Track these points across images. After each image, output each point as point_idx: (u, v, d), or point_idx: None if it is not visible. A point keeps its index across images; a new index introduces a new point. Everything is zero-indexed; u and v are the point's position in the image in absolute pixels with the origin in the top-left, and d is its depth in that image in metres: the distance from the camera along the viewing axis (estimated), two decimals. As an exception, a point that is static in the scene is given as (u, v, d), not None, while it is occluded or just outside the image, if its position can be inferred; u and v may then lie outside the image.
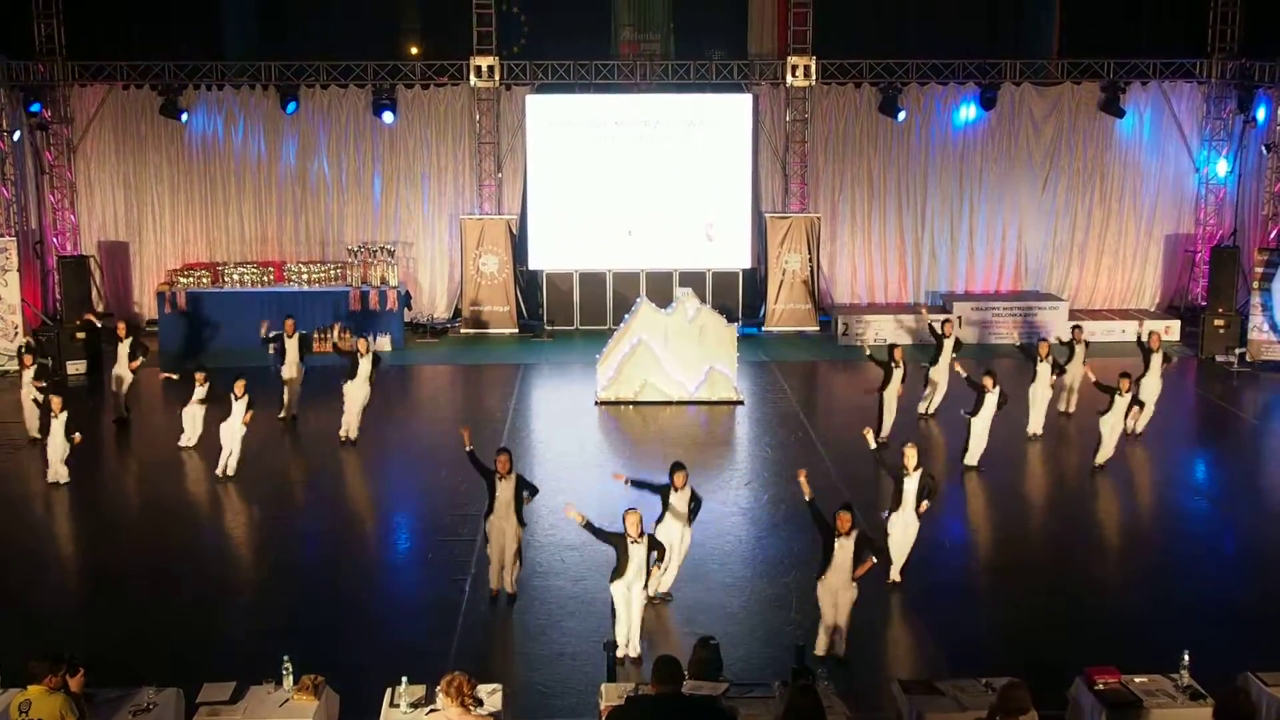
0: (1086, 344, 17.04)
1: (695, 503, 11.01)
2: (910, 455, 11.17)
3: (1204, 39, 22.51)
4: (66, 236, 22.47)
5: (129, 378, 16.77)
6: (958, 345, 17.02)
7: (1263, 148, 21.55)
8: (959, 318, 21.84)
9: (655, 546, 9.94)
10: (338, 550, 12.97)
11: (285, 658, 8.19)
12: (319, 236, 22.97)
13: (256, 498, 14.10)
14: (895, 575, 11.35)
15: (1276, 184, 21.40)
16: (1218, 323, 20.62)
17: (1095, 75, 22.47)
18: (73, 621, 11.02)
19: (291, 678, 8.14)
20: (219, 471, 14.56)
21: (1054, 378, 16.04)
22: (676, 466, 10.96)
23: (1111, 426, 14.71)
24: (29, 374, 15.95)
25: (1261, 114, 21.67)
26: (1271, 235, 21.36)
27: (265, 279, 21.76)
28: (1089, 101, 22.81)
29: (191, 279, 21.55)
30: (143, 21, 22.46)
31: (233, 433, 14.53)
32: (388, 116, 22.22)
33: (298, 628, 10.53)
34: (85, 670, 7.27)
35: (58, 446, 14.21)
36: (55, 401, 14.42)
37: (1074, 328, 17.91)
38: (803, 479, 10.26)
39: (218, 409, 15.02)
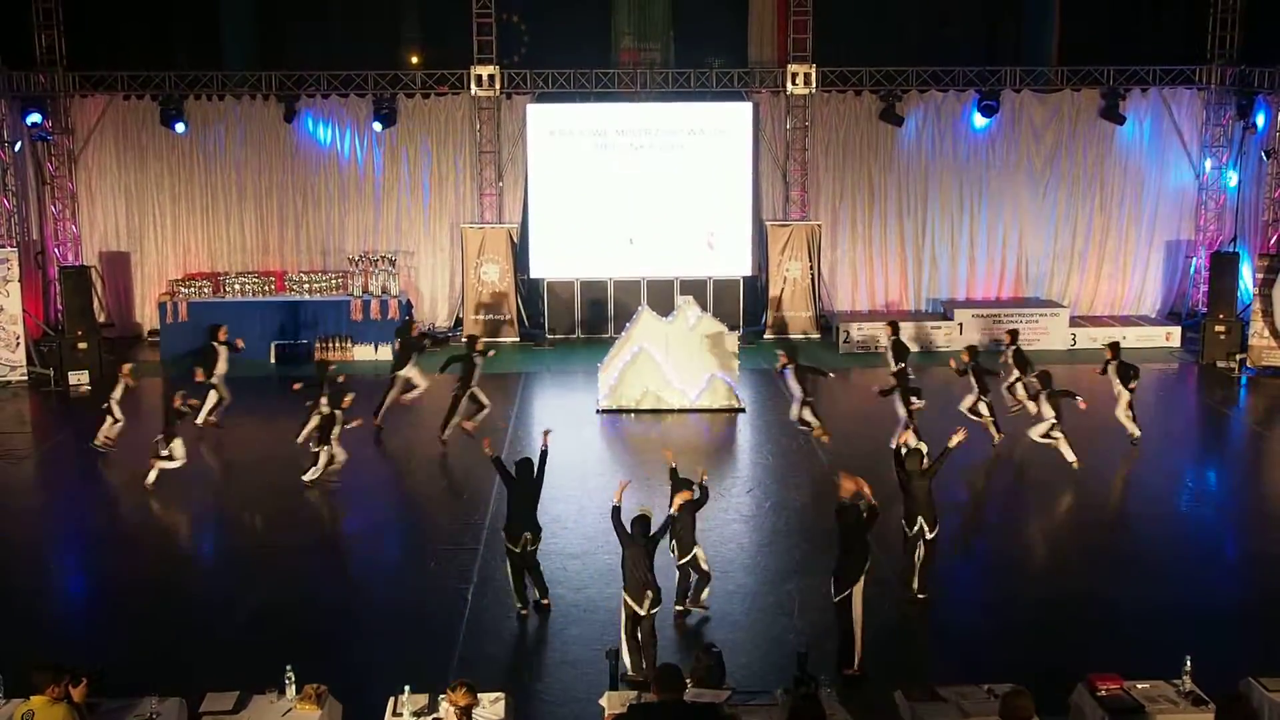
0: (1019, 349, 16.72)
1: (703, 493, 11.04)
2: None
3: (1204, 45, 22.54)
4: (68, 247, 22.51)
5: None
6: (898, 350, 16.57)
7: (1262, 153, 21.58)
8: (960, 325, 21.88)
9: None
10: (340, 559, 12.99)
11: (288, 667, 8.19)
12: (320, 246, 23.01)
13: (259, 507, 14.10)
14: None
15: (1276, 190, 21.41)
16: (1218, 328, 20.62)
17: (1095, 82, 22.50)
18: (75, 631, 11.02)
19: (294, 687, 8.14)
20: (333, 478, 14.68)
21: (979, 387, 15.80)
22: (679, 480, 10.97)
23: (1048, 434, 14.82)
24: (125, 383, 15.94)
25: (1261, 120, 21.70)
26: (1272, 241, 21.36)
27: (267, 289, 21.80)
28: (1089, 108, 22.85)
29: (193, 289, 21.59)
30: (143, 31, 22.54)
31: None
32: (376, 125, 22.28)
33: (300, 637, 10.52)
34: (88, 680, 7.28)
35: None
36: (194, 402, 15.30)
37: (1009, 332, 17.43)
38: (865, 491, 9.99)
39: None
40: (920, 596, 11.10)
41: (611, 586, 10.92)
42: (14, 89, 21.24)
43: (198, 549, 13.09)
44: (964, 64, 22.39)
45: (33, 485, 14.99)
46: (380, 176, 22.88)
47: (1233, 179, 22.78)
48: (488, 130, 22.73)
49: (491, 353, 17.05)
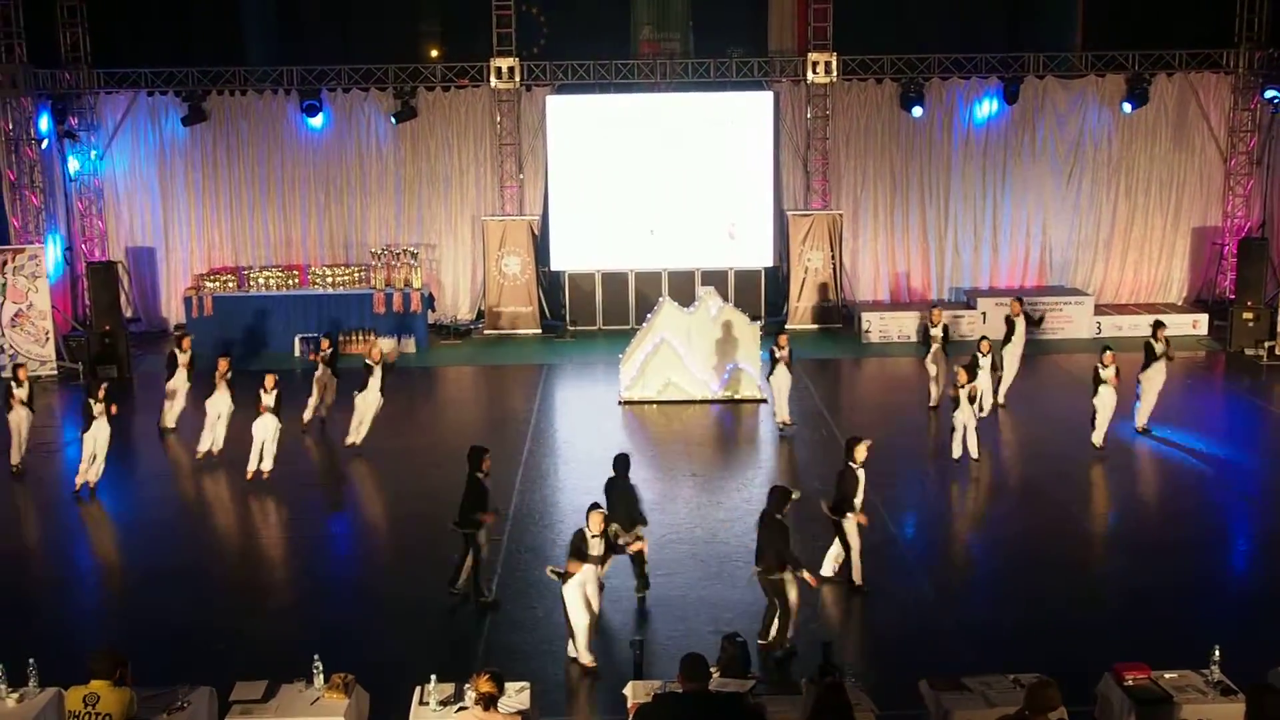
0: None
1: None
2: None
3: (1231, 29, 22.28)
4: (95, 243, 22.70)
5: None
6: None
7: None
8: (983, 314, 21.76)
9: (612, 548, 9.92)
10: (367, 550, 13.08)
11: (316, 656, 8.25)
12: (343, 239, 23.12)
13: (287, 500, 14.19)
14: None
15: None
16: (1246, 316, 20.41)
17: (1120, 67, 22.28)
18: (106, 621, 11.15)
19: (322, 676, 8.19)
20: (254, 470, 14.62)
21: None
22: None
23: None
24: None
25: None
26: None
27: (290, 282, 21.92)
28: (1113, 93, 22.63)
29: (217, 283, 21.73)
30: (166, 28, 22.69)
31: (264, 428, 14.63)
32: (393, 120, 22.36)
33: (328, 627, 10.60)
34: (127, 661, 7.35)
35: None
36: None
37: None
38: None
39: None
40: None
41: (634, 579, 10.98)
42: (40, 87, 21.41)
43: (227, 539, 13.19)
44: (986, 50, 22.22)
45: (63, 478, 15.14)
46: (401, 170, 22.96)
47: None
48: (508, 122, 22.75)
49: None
